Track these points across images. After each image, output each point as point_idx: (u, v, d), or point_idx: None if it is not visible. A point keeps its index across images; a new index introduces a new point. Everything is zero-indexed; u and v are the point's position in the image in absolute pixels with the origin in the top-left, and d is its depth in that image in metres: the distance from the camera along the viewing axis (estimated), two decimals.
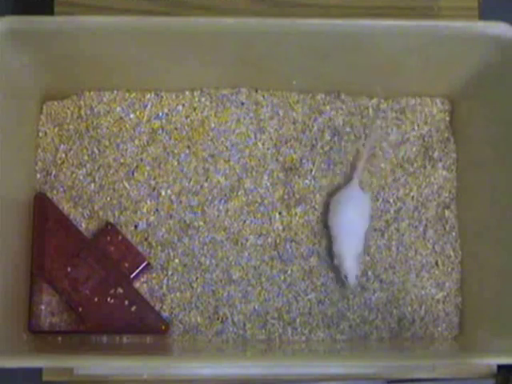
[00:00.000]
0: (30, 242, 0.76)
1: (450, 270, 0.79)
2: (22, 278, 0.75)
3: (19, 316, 0.74)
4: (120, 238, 0.77)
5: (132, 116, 0.80)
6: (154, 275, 0.78)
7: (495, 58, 0.70)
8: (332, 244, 0.77)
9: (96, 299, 0.75)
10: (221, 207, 0.79)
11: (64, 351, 0.72)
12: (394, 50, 0.71)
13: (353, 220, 0.76)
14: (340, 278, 0.76)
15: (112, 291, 0.75)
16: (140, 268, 0.76)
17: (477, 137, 0.78)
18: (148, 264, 0.77)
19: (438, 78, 0.78)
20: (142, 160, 0.79)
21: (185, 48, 0.71)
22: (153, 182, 0.79)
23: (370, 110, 0.81)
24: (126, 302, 0.75)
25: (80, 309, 0.75)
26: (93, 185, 0.78)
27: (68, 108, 0.80)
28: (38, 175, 0.79)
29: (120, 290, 0.75)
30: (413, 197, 0.80)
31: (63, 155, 0.79)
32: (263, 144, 0.80)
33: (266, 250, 0.78)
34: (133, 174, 0.79)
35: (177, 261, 0.77)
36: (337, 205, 0.77)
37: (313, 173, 0.80)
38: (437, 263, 0.79)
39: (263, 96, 0.81)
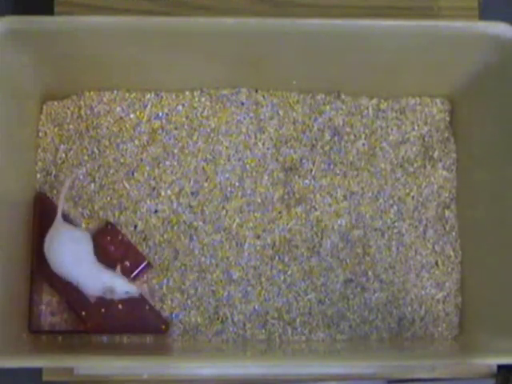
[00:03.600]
0: (30, 241, 0.76)
1: (450, 270, 0.79)
2: (22, 278, 0.75)
3: (19, 316, 0.74)
4: (120, 237, 0.77)
5: (132, 116, 0.80)
6: (153, 275, 0.78)
7: (495, 58, 0.70)
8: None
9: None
10: (221, 207, 0.79)
11: (64, 351, 0.72)
12: (394, 50, 0.71)
13: (66, 262, 0.71)
14: None
15: None
16: (140, 268, 0.76)
17: (477, 137, 0.78)
18: (148, 264, 0.77)
19: (438, 78, 0.78)
20: (142, 160, 0.79)
21: (185, 48, 0.71)
22: (153, 182, 0.79)
23: (371, 109, 0.81)
24: (126, 302, 0.75)
25: (80, 309, 0.75)
26: (93, 185, 0.78)
27: (68, 108, 0.80)
28: (38, 175, 0.79)
29: None
30: (413, 197, 0.80)
31: (63, 155, 0.79)
32: (263, 144, 0.80)
33: (266, 250, 0.78)
34: (133, 174, 0.79)
35: (177, 261, 0.77)
36: (50, 248, 0.72)
37: (313, 173, 0.80)
38: (437, 263, 0.79)
39: (263, 96, 0.81)
